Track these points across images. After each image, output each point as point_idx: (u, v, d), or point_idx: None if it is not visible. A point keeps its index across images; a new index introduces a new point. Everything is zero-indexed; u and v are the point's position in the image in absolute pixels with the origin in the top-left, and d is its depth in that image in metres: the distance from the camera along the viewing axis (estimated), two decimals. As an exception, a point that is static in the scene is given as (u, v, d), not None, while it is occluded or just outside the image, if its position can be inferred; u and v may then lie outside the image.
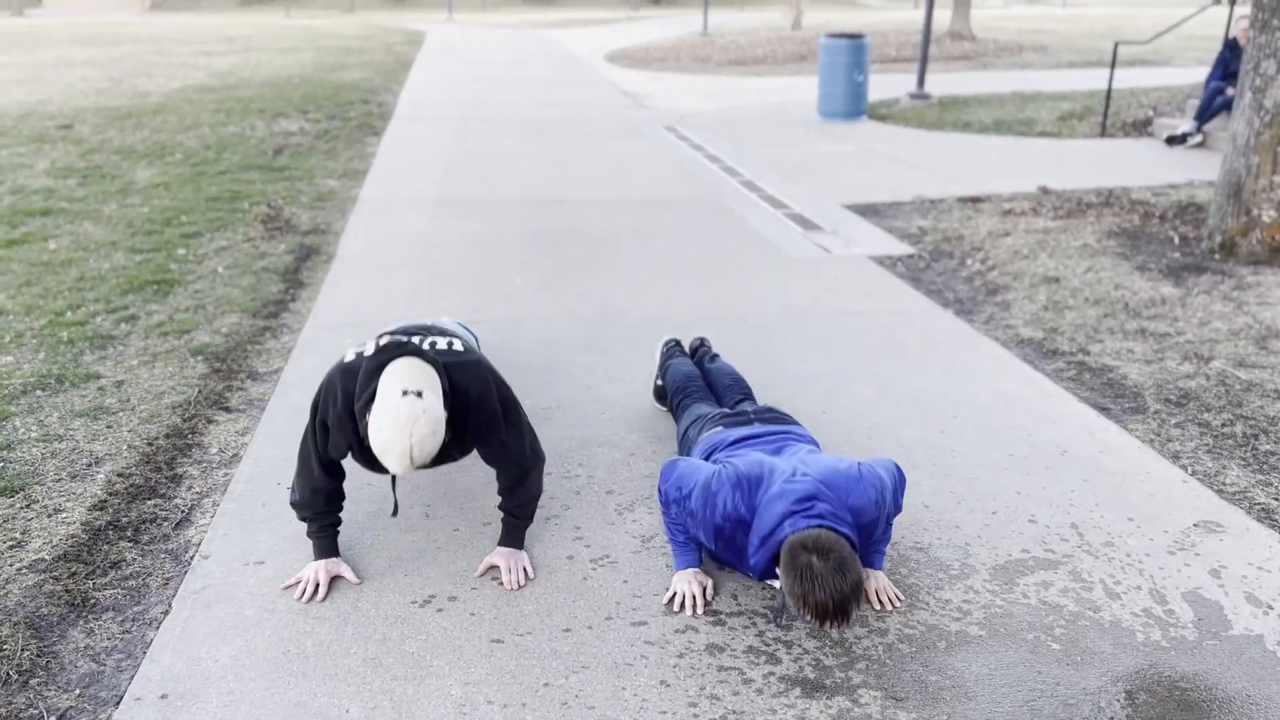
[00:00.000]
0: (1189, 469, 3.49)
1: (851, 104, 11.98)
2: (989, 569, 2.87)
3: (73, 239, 6.23)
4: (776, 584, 2.63)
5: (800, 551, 2.31)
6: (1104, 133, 10.62)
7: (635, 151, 9.83)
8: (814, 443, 2.98)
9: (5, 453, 3.44)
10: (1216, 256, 6.00)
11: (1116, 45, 11.11)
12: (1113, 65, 11.05)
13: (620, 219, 7.02)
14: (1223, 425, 3.83)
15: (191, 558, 2.89)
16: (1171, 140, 9.89)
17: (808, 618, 2.31)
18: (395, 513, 2.82)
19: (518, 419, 2.83)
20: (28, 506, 3.12)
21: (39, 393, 3.93)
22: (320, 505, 2.78)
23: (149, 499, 3.20)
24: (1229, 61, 9.64)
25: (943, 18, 23.97)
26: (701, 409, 3.35)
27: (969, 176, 8.56)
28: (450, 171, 8.64)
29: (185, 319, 4.83)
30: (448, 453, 2.75)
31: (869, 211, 7.33)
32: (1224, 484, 3.39)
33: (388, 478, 3.13)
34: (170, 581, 2.77)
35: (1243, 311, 5.06)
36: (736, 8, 52.13)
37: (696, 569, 2.75)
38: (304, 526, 2.96)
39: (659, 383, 3.89)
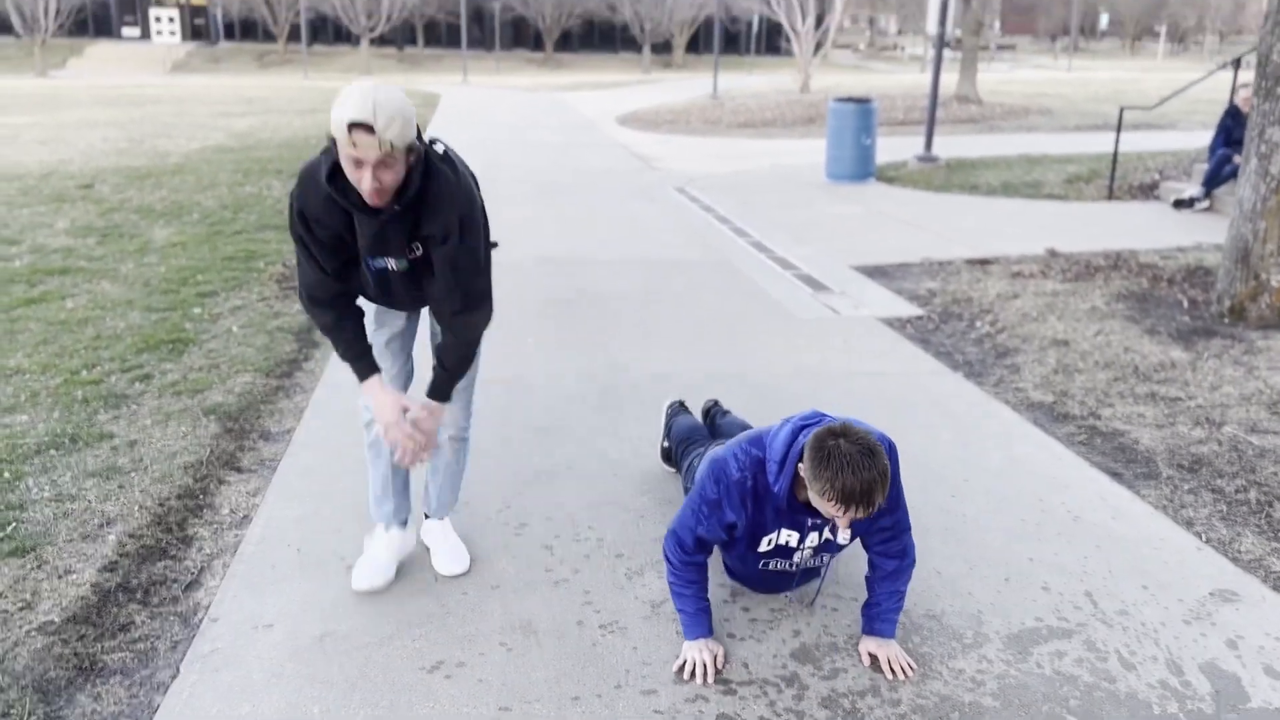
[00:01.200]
0: (1203, 536, 3.47)
1: (860, 166, 12.12)
2: (1003, 638, 2.84)
3: (90, 298, 6.31)
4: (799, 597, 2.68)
5: (827, 437, 2.34)
6: (1111, 196, 10.71)
7: (646, 213, 9.94)
8: None
9: (18, 513, 3.45)
10: (1226, 321, 6.01)
11: (1122, 110, 11.24)
12: (1118, 129, 11.17)
13: (631, 279, 7.08)
14: (1236, 492, 3.81)
15: (200, 621, 2.88)
16: (1179, 204, 9.96)
17: (832, 504, 2.32)
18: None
19: (482, 255, 2.73)
20: (39, 567, 3.12)
21: (53, 452, 3.95)
22: (333, 310, 2.75)
23: (159, 560, 3.20)
24: (1231, 129, 9.74)
25: (949, 81, 24.31)
26: (706, 448, 3.37)
27: (977, 238, 8.62)
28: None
29: (199, 378, 4.87)
30: (398, 229, 2.61)
31: (877, 273, 7.38)
32: (1239, 552, 3.36)
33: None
34: (179, 645, 2.76)
35: (1254, 376, 5.05)
36: (745, 71, 52.97)
37: (708, 638, 2.73)
38: (311, 588, 2.95)
39: (665, 444, 3.90)
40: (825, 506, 2.36)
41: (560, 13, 61.11)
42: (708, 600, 2.76)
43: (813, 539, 2.69)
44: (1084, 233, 8.82)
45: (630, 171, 13.36)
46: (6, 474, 3.73)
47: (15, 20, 52.66)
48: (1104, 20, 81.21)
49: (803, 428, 2.52)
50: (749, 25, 59.82)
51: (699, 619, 2.73)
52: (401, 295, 2.82)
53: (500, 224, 9.13)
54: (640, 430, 4.31)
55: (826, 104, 14.28)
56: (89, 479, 3.73)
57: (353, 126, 2.36)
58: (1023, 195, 10.93)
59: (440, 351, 2.84)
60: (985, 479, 3.89)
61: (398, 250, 2.67)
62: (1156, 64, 62.52)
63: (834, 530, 2.66)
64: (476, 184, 2.73)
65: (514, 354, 5.37)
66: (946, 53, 15.36)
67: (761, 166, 13.89)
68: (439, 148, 2.65)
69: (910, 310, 6.40)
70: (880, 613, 2.73)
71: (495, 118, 22.36)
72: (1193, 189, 10.00)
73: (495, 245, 2.89)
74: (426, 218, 2.61)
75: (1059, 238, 8.57)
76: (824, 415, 2.57)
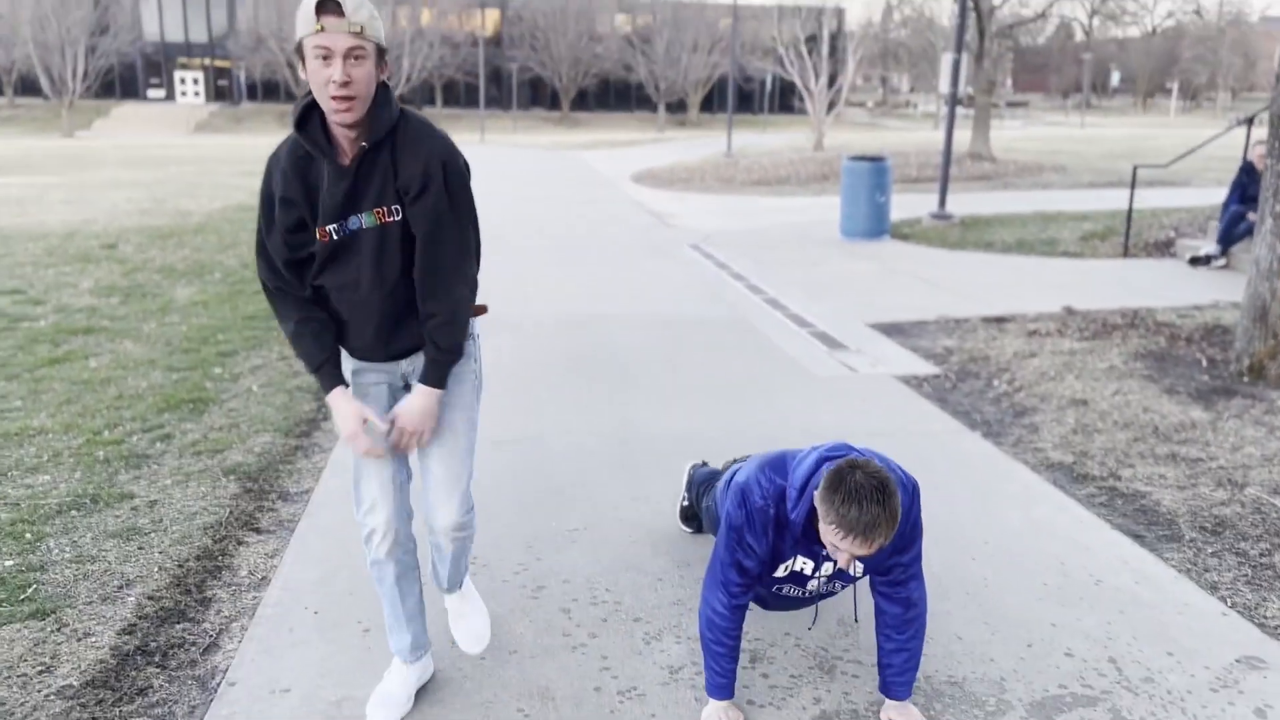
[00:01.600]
0: (1228, 601, 3.42)
1: (874, 224, 12.20)
2: (1026, 705, 2.80)
3: (113, 357, 6.38)
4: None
5: (844, 468, 2.36)
6: (1126, 253, 10.73)
7: (661, 270, 10.01)
8: None
9: (39, 574, 3.47)
10: (1245, 380, 5.98)
11: (1135, 168, 11.30)
12: (1132, 187, 11.22)
13: (646, 337, 7.11)
14: (1261, 555, 3.76)
15: (218, 685, 2.87)
16: (1195, 261, 9.97)
17: (834, 531, 2.33)
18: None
19: (470, 212, 2.52)
20: (59, 630, 3.13)
21: (74, 513, 3.97)
22: (303, 325, 2.53)
23: (178, 623, 3.20)
24: (1246, 185, 9.77)
25: (962, 139, 24.53)
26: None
27: (993, 296, 8.64)
28: (480, 289, 8.81)
29: (219, 438, 4.90)
30: (372, 176, 2.39)
31: (894, 330, 7.39)
32: (1265, 617, 3.32)
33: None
34: (196, 710, 2.76)
35: (1275, 437, 5.01)
36: (759, 129, 53.57)
37: (729, 701, 2.71)
38: (329, 651, 2.91)
39: (684, 503, 3.89)
40: (828, 534, 2.37)
41: (577, 72, 62.17)
42: (736, 663, 2.73)
43: (827, 568, 2.69)
44: (1100, 290, 8.82)
45: (646, 228, 13.48)
46: (28, 535, 3.75)
47: (44, 82, 53.93)
48: (1115, 77, 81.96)
49: (828, 458, 2.52)
50: (762, 84, 60.63)
51: (727, 680, 2.69)
52: (369, 282, 2.47)
53: (516, 280, 9.21)
54: (658, 491, 4.30)
55: (840, 161, 14.41)
56: (109, 540, 3.74)
57: (320, 8, 2.21)
58: (1038, 252, 10.96)
59: (432, 331, 2.54)
60: (1005, 541, 3.86)
61: (371, 203, 2.41)
62: (1169, 120, 62.91)
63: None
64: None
65: (530, 412, 5.39)
66: (959, 110, 15.50)
67: (776, 223, 13.99)
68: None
69: (927, 368, 6.39)
70: (893, 674, 2.70)
71: (513, 175, 22.65)
72: (1209, 246, 10.01)
73: (484, 310, 2.76)
74: (404, 160, 2.39)
75: (1075, 295, 8.57)
76: (851, 448, 2.58)
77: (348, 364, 2.65)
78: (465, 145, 37.30)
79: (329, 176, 2.37)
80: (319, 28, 2.20)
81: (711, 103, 65.87)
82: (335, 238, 2.44)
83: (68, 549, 3.66)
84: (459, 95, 65.20)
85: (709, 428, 5.15)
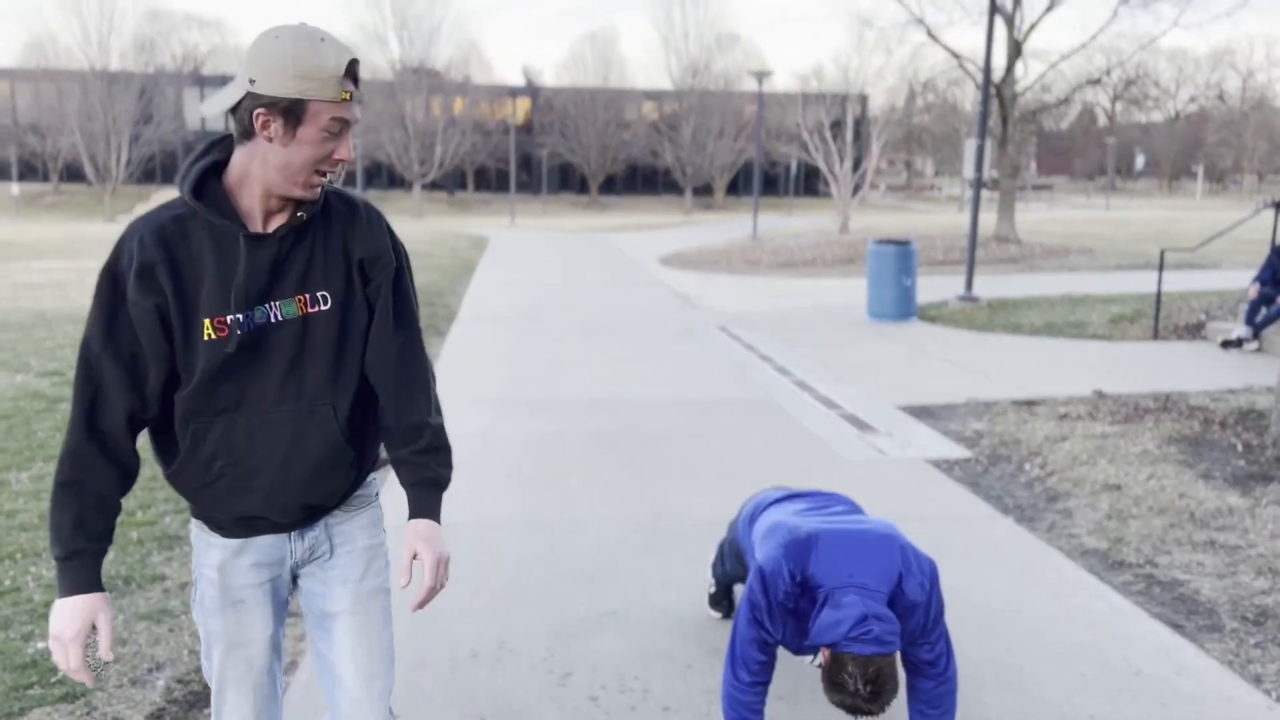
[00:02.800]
0: (1274, 694, 3.33)
1: (901, 306, 12.24)
2: (1067, 803, 2.72)
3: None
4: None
5: (848, 663, 2.43)
6: (1156, 336, 10.68)
7: (689, 351, 10.06)
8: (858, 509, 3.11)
9: (70, 656, 3.48)
10: (1283, 464, 5.89)
11: (1163, 251, 11.32)
12: (1160, 270, 11.23)
13: (675, 419, 7.13)
14: (1306, 646, 3.67)
15: (244, 771, 2.85)
16: (1226, 344, 9.90)
17: (836, 692, 2.46)
18: None
19: (414, 296, 2.05)
20: (88, 714, 3.13)
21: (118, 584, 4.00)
22: (91, 485, 1.81)
23: (205, 708, 3.19)
24: (1276, 267, 9.75)
25: (988, 221, 24.68)
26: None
27: (1022, 379, 8.60)
28: (510, 372, 8.90)
29: (250, 519, 4.93)
30: (301, 255, 1.86)
31: (923, 413, 7.37)
32: (1313, 712, 3.22)
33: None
34: (222, 797, 2.73)
35: (1316, 523, 4.92)
36: (785, 212, 54.17)
37: None
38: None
39: (712, 590, 3.86)
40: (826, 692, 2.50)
41: (605, 158, 63.40)
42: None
43: None
44: (1131, 374, 8.77)
45: (673, 310, 13.60)
46: (61, 616, 3.77)
47: (88, 170, 55.69)
48: (1140, 161, 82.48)
49: (848, 637, 2.47)
50: (787, 169, 61.47)
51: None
52: (278, 397, 1.86)
53: (546, 362, 9.29)
54: (688, 576, 4.28)
55: (866, 244, 14.53)
56: (140, 622, 3.76)
57: (349, 71, 1.79)
58: (1067, 335, 10.94)
59: (426, 456, 2.00)
60: (1041, 630, 3.79)
61: (293, 288, 1.85)
62: (1195, 203, 63.04)
63: None
64: None
65: (560, 494, 5.39)
66: (984, 193, 15.65)
67: (802, 305, 14.07)
68: None
69: (958, 452, 6.35)
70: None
71: (542, 258, 22.98)
72: (1240, 329, 9.95)
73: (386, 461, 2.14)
74: (359, 232, 1.92)
75: (1105, 379, 8.52)
76: (865, 586, 2.55)
77: (210, 554, 1.95)
78: (496, 229, 37.96)
79: (244, 251, 1.80)
80: (345, 95, 1.79)
81: (737, 186, 66.80)
82: (238, 333, 1.81)
83: (99, 631, 3.68)
84: (490, 180, 66.56)
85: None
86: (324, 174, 1.83)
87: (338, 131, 1.81)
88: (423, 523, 1.98)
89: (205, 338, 1.81)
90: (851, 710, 2.44)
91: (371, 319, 1.95)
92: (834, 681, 2.46)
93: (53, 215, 53.54)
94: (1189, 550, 4.62)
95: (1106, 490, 5.50)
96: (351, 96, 1.80)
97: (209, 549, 1.96)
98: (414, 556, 1.95)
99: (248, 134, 1.78)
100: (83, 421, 1.82)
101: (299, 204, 1.85)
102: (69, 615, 1.80)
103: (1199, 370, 8.93)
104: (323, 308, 1.88)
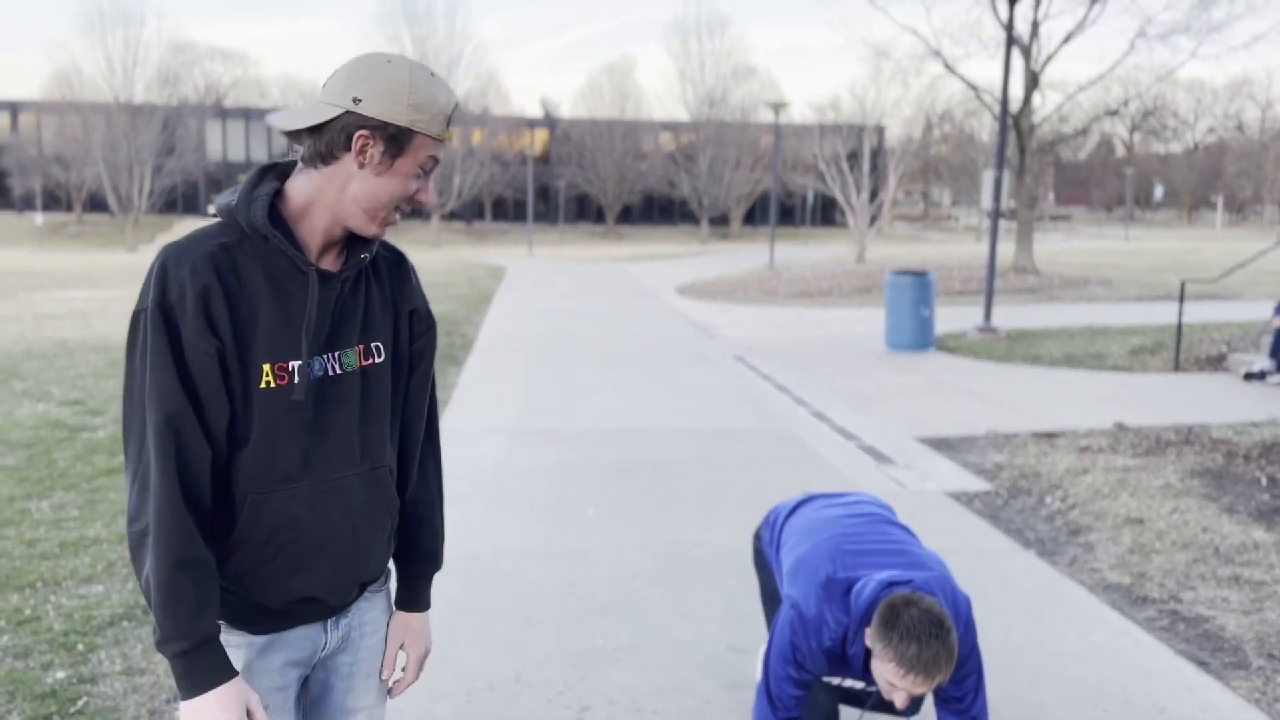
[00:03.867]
0: (1303, 734, 3.28)
1: (919, 336, 12.21)
2: (1092, 844, 2.67)
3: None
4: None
5: (898, 603, 2.31)
6: (1177, 368, 10.60)
7: (705, 381, 10.06)
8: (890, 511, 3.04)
9: (89, 686, 3.48)
10: (1308, 498, 5.82)
11: (1184, 283, 11.26)
12: (1181, 301, 11.16)
13: (691, 449, 7.11)
14: (1335, 685, 3.61)
15: (260, 804, 2.84)
16: (1249, 377, 9.82)
17: (891, 668, 2.28)
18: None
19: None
20: (104, 744, 3.12)
21: (125, 624, 4.01)
22: (206, 558, 1.54)
23: (222, 738, 3.18)
24: (1299, 299, 9.68)
25: (1006, 251, 24.63)
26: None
27: (1042, 411, 8.55)
28: (526, 401, 8.91)
29: (268, 549, 4.93)
30: (358, 302, 1.70)
31: (942, 445, 7.33)
32: (1343, 752, 3.16)
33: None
34: (238, 830, 2.72)
35: (1343, 558, 4.85)
36: (801, 242, 54.24)
37: None
38: None
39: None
40: (885, 671, 2.32)
41: (622, 188, 63.73)
42: None
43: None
44: (1152, 406, 8.70)
45: (689, 339, 13.60)
46: (80, 646, 3.78)
47: (111, 200, 56.37)
48: (1159, 191, 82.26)
49: (892, 584, 2.50)
50: (804, 199, 61.61)
51: None
52: (346, 458, 1.67)
53: (562, 391, 9.30)
54: (705, 609, 4.25)
55: (883, 274, 14.52)
56: (158, 653, 3.76)
57: (451, 114, 1.65)
58: (1086, 366, 10.87)
59: (428, 533, 1.88)
60: (1064, 666, 3.74)
61: (351, 337, 1.68)
62: (1215, 234, 62.76)
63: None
64: None
65: (575, 524, 5.37)
66: (1001, 223, 15.64)
67: (819, 335, 14.05)
68: None
69: (977, 484, 6.31)
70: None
71: (558, 288, 23.06)
72: (1263, 362, 9.87)
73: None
74: (404, 285, 1.78)
75: (1126, 411, 8.46)
76: (912, 577, 2.53)
77: (238, 651, 1.66)
78: (513, 258, 38.14)
79: (314, 290, 1.61)
80: (447, 135, 1.65)
81: (754, 216, 66.96)
82: (298, 381, 1.60)
83: (118, 661, 3.68)
84: (507, 210, 66.98)
85: (756, 543, 5.10)
86: (401, 213, 1.66)
87: (429, 170, 1.66)
88: (417, 616, 1.87)
89: (263, 385, 1.57)
90: (907, 660, 2.26)
91: (410, 377, 1.80)
92: (886, 618, 2.29)
93: (75, 245, 54.18)
94: (1213, 586, 4.56)
95: (1129, 524, 5.44)
96: (449, 138, 1.67)
97: (229, 651, 1.61)
98: (400, 647, 1.85)
99: (331, 156, 1.59)
100: (177, 490, 1.52)
101: (356, 244, 1.67)
102: (223, 711, 1.52)
103: (1221, 403, 8.85)
104: (377, 360, 1.71)
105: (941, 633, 2.27)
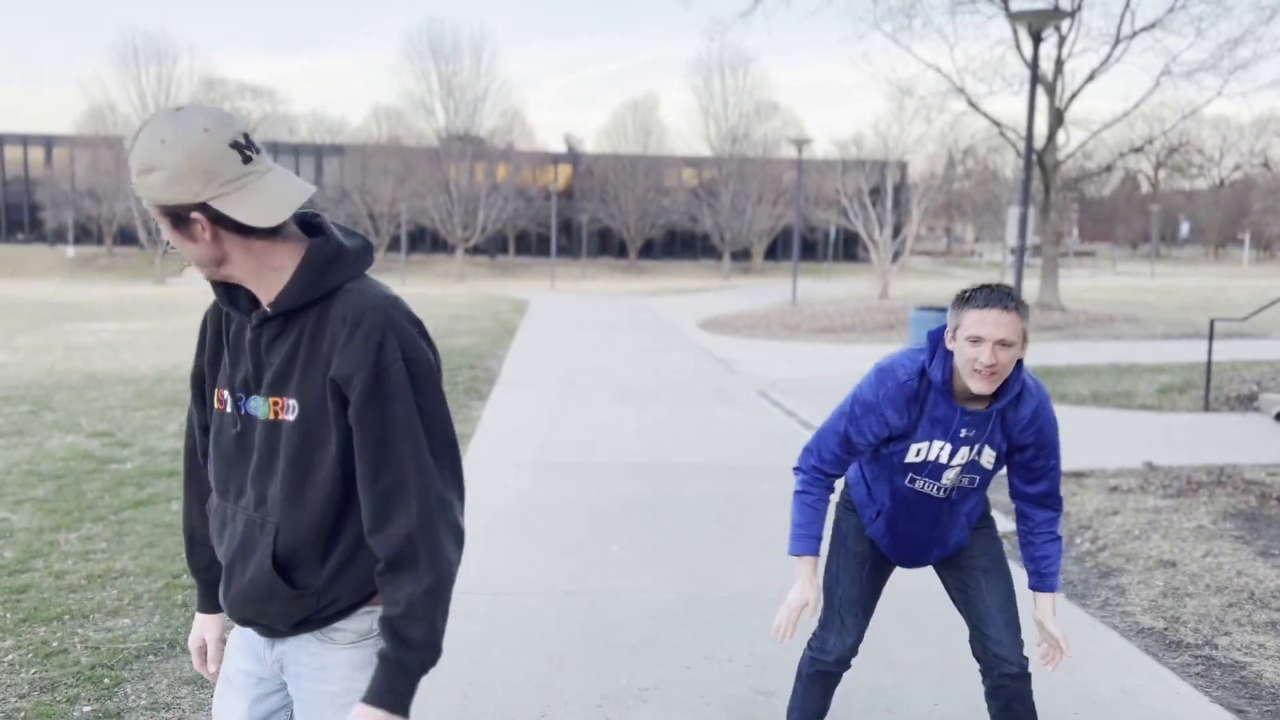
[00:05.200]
0: (1345, 787, 3.19)
1: (944, 374, 12.12)
2: None
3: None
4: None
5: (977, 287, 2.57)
6: (1207, 407, 10.48)
7: (728, 417, 10.03)
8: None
9: (114, 720, 3.49)
10: (1344, 542, 5.72)
11: (1213, 321, 11.16)
12: (1210, 339, 11.06)
13: (715, 485, 7.08)
14: (1377, 736, 3.52)
15: (284, 844, 2.82)
16: (1280, 415, 9.69)
17: (973, 310, 2.51)
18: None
19: (433, 412, 1.70)
20: (130, 780, 3.12)
21: (151, 658, 4.01)
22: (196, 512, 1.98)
23: (246, 776, 3.17)
24: (1331, 338, 9.56)
25: (1031, 288, 24.50)
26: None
27: (1070, 450, 8.44)
28: (550, 435, 8.91)
29: (293, 583, 4.94)
30: (276, 344, 1.72)
31: (968, 485, 7.25)
32: (1388, 807, 3.08)
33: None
34: None
35: (1382, 604, 4.76)
36: (823, 278, 54.22)
37: (813, 557, 2.85)
38: None
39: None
40: (968, 329, 2.51)
41: (644, 223, 64.08)
42: (821, 525, 2.86)
43: (963, 454, 2.72)
44: (1182, 446, 8.60)
45: (712, 374, 13.58)
46: (107, 680, 3.79)
47: (141, 233, 57.20)
48: (1184, 228, 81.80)
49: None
50: (826, 234, 61.71)
51: (808, 535, 2.84)
52: (239, 490, 1.78)
53: (586, 426, 9.29)
54: (730, 650, 4.21)
55: (906, 310, 14.49)
56: (184, 687, 3.76)
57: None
58: (1114, 405, 10.77)
59: (385, 601, 1.68)
60: (1097, 712, 3.68)
61: (265, 385, 1.72)
62: (1242, 271, 62.28)
63: (987, 441, 2.69)
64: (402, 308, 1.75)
65: (599, 562, 5.35)
66: (1026, 259, 15.58)
67: (843, 371, 14.00)
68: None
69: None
70: (1048, 565, 2.85)
71: (581, 322, 23.13)
72: (1293, 400, 9.74)
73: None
74: (335, 345, 1.68)
75: (1156, 450, 8.36)
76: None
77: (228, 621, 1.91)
78: (536, 292, 38.31)
79: (249, 327, 1.76)
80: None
81: (776, 251, 67.09)
82: (230, 411, 1.79)
83: (144, 695, 3.68)
84: (531, 244, 67.46)
85: (781, 586, 5.05)
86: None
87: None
88: (360, 708, 1.63)
89: (216, 406, 1.83)
90: (990, 298, 2.50)
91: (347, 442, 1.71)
92: (961, 296, 2.57)
93: (105, 277, 54.92)
94: (1249, 631, 4.48)
95: (1161, 566, 5.36)
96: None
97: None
98: None
99: None
100: (185, 458, 2.01)
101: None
102: (192, 631, 2.01)
103: (1253, 443, 8.73)
104: (286, 416, 1.70)
105: (1008, 287, 2.54)
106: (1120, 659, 4.19)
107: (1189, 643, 4.37)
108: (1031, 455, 2.74)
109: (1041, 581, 2.86)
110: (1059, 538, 2.86)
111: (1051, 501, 2.82)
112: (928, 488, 2.81)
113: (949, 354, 2.65)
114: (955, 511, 2.87)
